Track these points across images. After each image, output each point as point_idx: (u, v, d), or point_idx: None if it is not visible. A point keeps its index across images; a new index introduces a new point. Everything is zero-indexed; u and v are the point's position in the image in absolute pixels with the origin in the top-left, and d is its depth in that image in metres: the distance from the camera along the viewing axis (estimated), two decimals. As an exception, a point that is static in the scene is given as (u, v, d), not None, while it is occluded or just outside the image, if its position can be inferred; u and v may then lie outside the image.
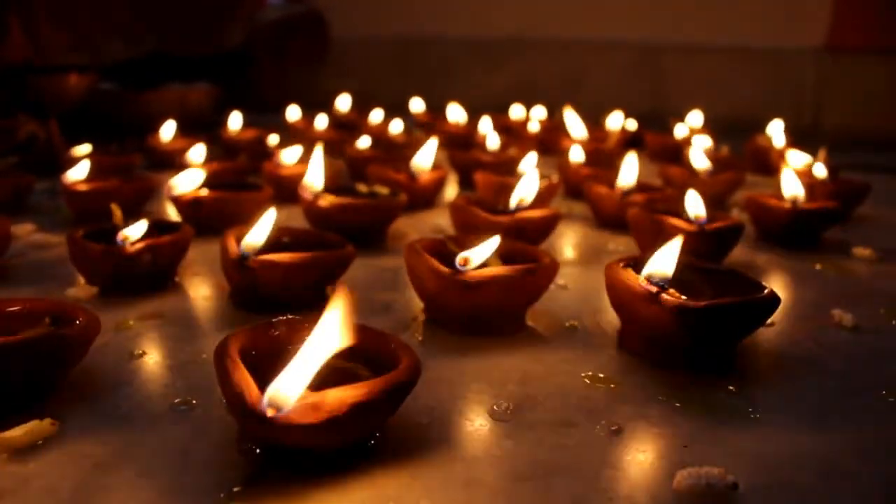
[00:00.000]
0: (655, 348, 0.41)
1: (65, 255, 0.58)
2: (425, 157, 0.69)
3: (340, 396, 0.28)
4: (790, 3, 1.27)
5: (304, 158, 0.77)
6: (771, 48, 1.30)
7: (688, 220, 0.57)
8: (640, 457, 0.33)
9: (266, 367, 0.33)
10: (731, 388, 0.39)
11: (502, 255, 0.46)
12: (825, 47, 1.25)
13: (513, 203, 0.56)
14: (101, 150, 0.87)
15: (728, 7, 1.31)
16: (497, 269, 0.41)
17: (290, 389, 0.27)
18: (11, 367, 0.34)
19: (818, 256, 0.62)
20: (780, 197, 0.66)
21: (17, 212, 0.69)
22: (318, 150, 0.60)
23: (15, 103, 0.93)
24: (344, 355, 0.35)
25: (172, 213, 0.73)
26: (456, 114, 1.15)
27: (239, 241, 0.47)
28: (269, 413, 0.27)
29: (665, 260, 0.40)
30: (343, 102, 1.21)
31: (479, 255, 0.41)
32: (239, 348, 0.32)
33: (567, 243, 0.65)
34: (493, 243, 0.42)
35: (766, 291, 0.42)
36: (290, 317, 0.36)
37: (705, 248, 0.55)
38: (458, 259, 0.41)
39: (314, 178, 0.58)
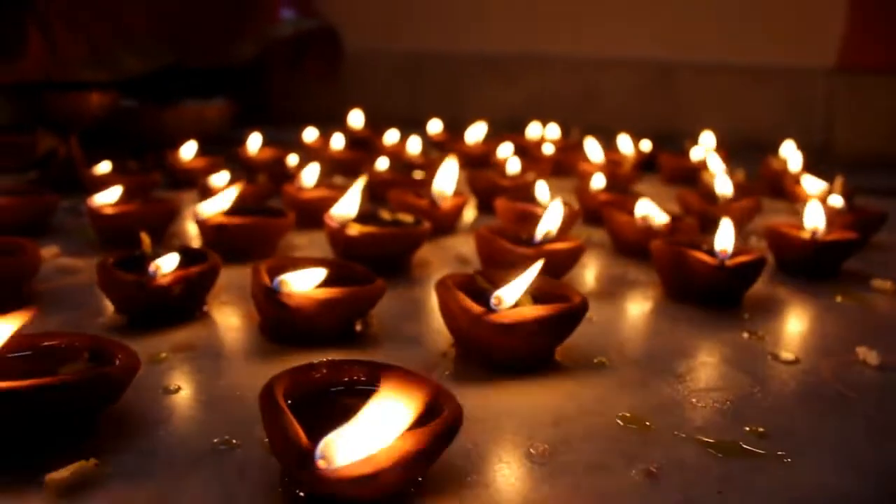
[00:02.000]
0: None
1: (91, 280, 0.58)
2: (447, 183, 0.70)
3: (391, 448, 0.29)
4: (802, 23, 1.28)
5: (323, 181, 0.78)
6: (783, 67, 1.31)
7: (710, 252, 0.57)
8: (677, 502, 0.33)
9: (307, 408, 0.33)
10: (760, 429, 0.40)
11: (531, 292, 0.46)
12: (837, 67, 1.25)
13: (539, 235, 0.56)
14: (120, 168, 0.88)
15: (741, 26, 1.32)
16: (531, 310, 0.42)
17: (348, 448, 0.28)
18: (55, 406, 0.34)
19: (838, 288, 0.63)
20: (799, 226, 0.67)
21: (41, 232, 0.70)
22: (359, 183, 0.60)
23: (34, 119, 0.93)
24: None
25: (193, 232, 0.74)
26: (474, 133, 1.15)
27: (271, 273, 0.47)
28: (322, 465, 0.27)
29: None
30: (356, 119, 1.22)
31: (513, 294, 0.42)
32: (282, 392, 0.33)
33: (588, 273, 0.65)
34: (525, 280, 0.42)
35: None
36: (330, 359, 0.36)
37: (727, 283, 0.56)
38: (493, 299, 0.41)
39: (346, 208, 0.58)
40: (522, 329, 0.41)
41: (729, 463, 0.36)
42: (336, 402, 0.35)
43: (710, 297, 0.56)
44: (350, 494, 0.29)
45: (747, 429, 0.39)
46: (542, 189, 0.71)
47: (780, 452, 0.37)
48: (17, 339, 0.39)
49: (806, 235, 0.65)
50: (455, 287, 0.44)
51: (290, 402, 0.33)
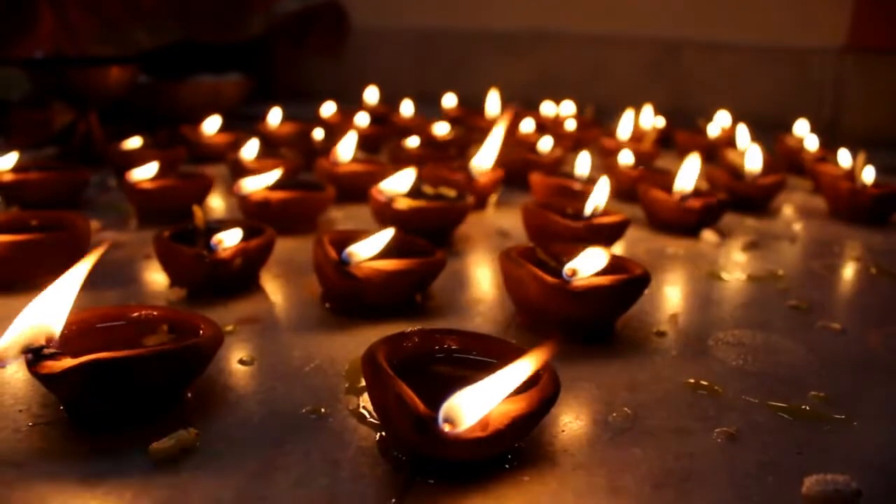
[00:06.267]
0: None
1: (138, 253, 0.59)
2: (487, 159, 0.70)
3: (504, 411, 0.30)
4: (810, 3, 1.29)
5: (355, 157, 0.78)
6: (791, 47, 1.32)
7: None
8: (763, 463, 0.34)
9: (401, 375, 0.34)
10: (821, 393, 0.41)
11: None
12: (845, 47, 1.27)
13: (589, 209, 0.57)
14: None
15: (749, 5, 1.33)
16: (603, 279, 0.43)
17: (471, 410, 0.28)
18: (152, 376, 0.34)
19: (870, 261, 0.64)
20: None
21: (72, 207, 0.69)
22: (412, 171, 0.60)
23: (52, 94, 0.92)
24: (474, 367, 0.36)
25: (221, 206, 0.74)
26: (491, 105, 1.15)
27: (336, 244, 0.47)
28: (447, 429, 0.28)
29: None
30: (371, 95, 1.22)
31: (588, 268, 0.43)
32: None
33: (627, 248, 0.66)
34: (601, 259, 0.43)
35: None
36: (422, 328, 0.37)
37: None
38: (566, 270, 0.42)
39: (397, 183, 0.58)
40: (596, 296, 0.42)
41: (801, 426, 0.38)
42: (427, 369, 0.36)
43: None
44: (464, 456, 0.30)
45: (812, 394, 0.41)
46: (583, 162, 0.72)
47: (844, 416, 0.39)
48: (104, 311, 0.39)
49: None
50: (522, 259, 0.45)
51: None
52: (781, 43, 1.32)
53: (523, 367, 0.30)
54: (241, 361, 0.42)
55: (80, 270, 0.35)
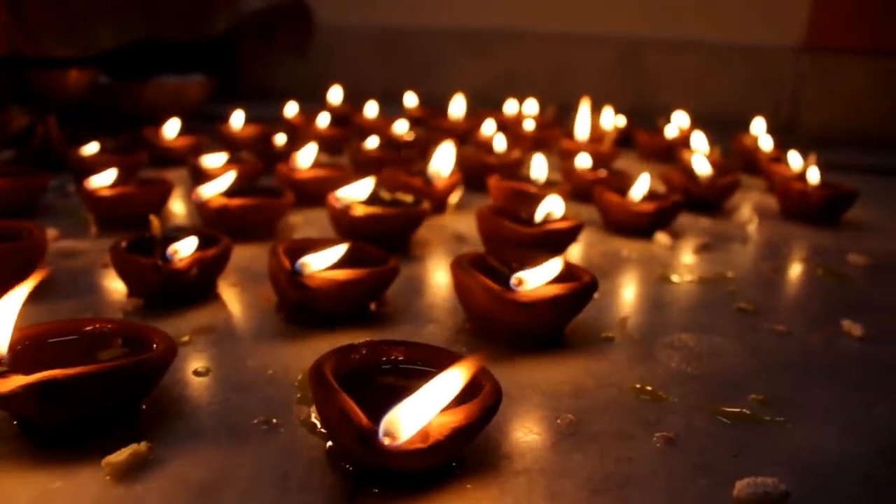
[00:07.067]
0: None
1: (95, 262, 0.59)
2: (444, 164, 0.71)
3: (443, 422, 0.31)
4: (770, 2, 1.31)
5: (317, 160, 0.79)
6: (750, 46, 1.34)
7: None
8: (698, 466, 0.36)
9: (350, 387, 0.35)
10: (761, 397, 0.42)
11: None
12: (803, 47, 1.29)
13: (540, 216, 0.58)
14: (99, 147, 0.86)
15: (709, 4, 1.35)
16: (549, 289, 0.44)
17: (410, 422, 0.29)
18: (104, 392, 0.35)
19: (817, 262, 0.67)
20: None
21: (30, 214, 0.69)
22: (372, 180, 0.61)
23: (8, 97, 0.91)
24: (420, 378, 0.37)
25: (181, 212, 0.74)
26: (455, 108, 1.16)
27: (288, 254, 0.48)
28: (387, 441, 0.29)
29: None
30: (334, 95, 1.22)
31: (536, 280, 0.44)
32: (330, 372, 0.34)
33: (582, 251, 0.67)
34: (552, 270, 0.45)
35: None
36: (369, 340, 0.38)
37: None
38: (513, 280, 0.43)
39: (354, 191, 0.59)
40: (542, 306, 0.43)
41: (739, 429, 0.39)
42: (374, 380, 0.37)
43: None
44: (406, 467, 0.31)
45: (751, 397, 0.42)
46: (538, 166, 0.73)
47: (780, 418, 0.40)
48: (57, 325, 0.39)
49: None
50: (471, 267, 0.46)
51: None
52: (741, 42, 1.34)
53: (453, 377, 0.31)
54: (196, 372, 0.42)
55: (19, 293, 0.36)
